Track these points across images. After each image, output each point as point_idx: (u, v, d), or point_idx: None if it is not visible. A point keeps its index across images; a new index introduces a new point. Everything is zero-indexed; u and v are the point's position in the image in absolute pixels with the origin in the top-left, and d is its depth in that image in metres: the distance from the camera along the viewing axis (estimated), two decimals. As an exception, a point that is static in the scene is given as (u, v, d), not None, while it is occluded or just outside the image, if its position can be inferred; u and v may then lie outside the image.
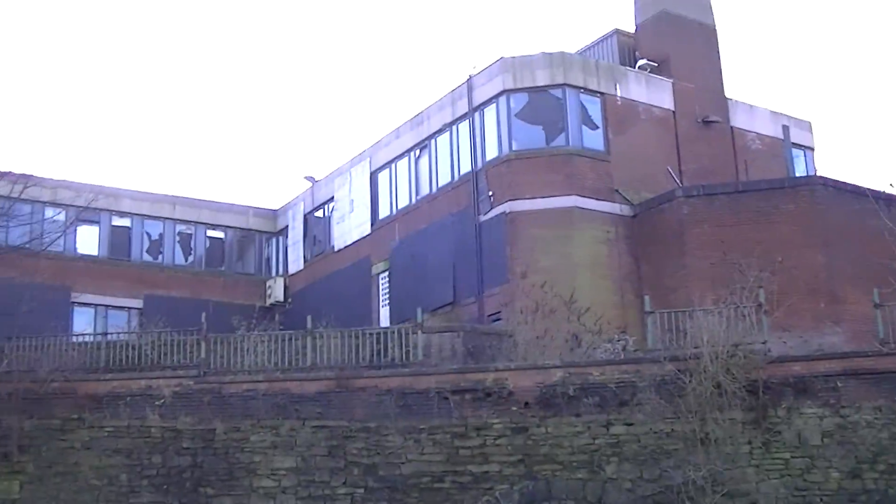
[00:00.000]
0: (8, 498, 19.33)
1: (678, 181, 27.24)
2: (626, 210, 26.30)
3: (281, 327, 23.03)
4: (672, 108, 28.33)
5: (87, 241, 33.15)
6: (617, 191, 26.33)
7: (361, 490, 18.56)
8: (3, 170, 24.69)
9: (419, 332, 20.67)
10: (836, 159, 73.37)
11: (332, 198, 33.52)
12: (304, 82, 76.92)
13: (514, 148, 26.48)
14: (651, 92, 28.20)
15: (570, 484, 18.19)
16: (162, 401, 19.72)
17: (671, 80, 28.77)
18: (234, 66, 76.22)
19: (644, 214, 26.24)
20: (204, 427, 19.38)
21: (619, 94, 27.43)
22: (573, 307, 22.59)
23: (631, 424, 18.23)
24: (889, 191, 22.22)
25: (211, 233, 35.66)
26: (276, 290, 33.97)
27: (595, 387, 18.69)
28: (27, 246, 26.82)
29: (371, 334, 20.84)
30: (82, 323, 29.79)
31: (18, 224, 27.60)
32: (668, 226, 25.54)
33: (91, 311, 31.00)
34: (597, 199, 25.92)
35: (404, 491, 18.57)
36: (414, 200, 29.63)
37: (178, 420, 19.48)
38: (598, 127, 26.85)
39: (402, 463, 18.71)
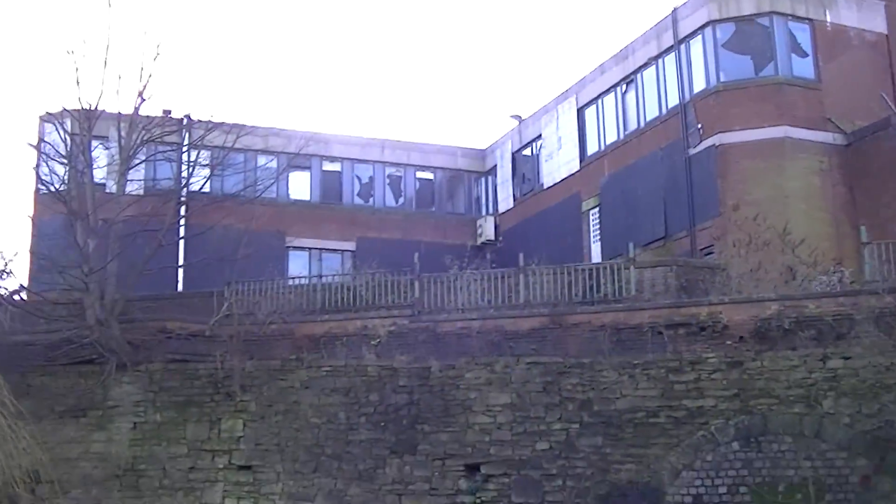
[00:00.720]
0: (232, 436, 22.03)
1: (894, 108, 27.49)
2: (838, 139, 27.22)
3: (492, 266, 25.16)
4: (885, 32, 28.92)
5: (300, 186, 36.53)
6: (829, 119, 27.20)
7: (576, 425, 20.27)
8: (216, 121, 27.86)
9: (631, 267, 22.14)
10: None
11: (540, 136, 35.49)
12: (508, 22, 79.15)
13: (721, 79, 28.04)
14: (862, 16, 28.78)
15: (786, 418, 19.25)
16: (378, 340, 22.24)
17: (883, 2, 28.83)
18: (440, 7, 79.34)
19: (858, 143, 26.97)
20: (419, 365, 21.56)
21: (828, 19, 28.29)
22: (787, 239, 23.54)
23: (848, 358, 19.14)
24: None
25: (420, 174, 38.38)
26: (487, 229, 36.43)
27: (811, 320, 19.77)
28: (242, 193, 29.75)
29: (583, 270, 22.53)
30: (297, 266, 33.19)
31: (233, 172, 31.18)
32: (884, 154, 26.16)
33: (305, 254, 34.34)
34: (808, 129, 27.11)
35: (619, 426, 20.12)
36: (622, 136, 31.20)
37: (393, 359, 21.80)
38: (807, 55, 28.11)
39: (617, 398, 20.30)
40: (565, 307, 21.69)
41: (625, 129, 30.92)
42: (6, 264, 30.11)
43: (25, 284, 28.32)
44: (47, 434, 20.88)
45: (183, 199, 29.58)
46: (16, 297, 27.10)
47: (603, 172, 31.42)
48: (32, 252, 29.02)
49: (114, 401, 23.05)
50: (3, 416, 6.27)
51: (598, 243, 31.05)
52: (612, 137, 31.40)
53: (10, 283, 28.35)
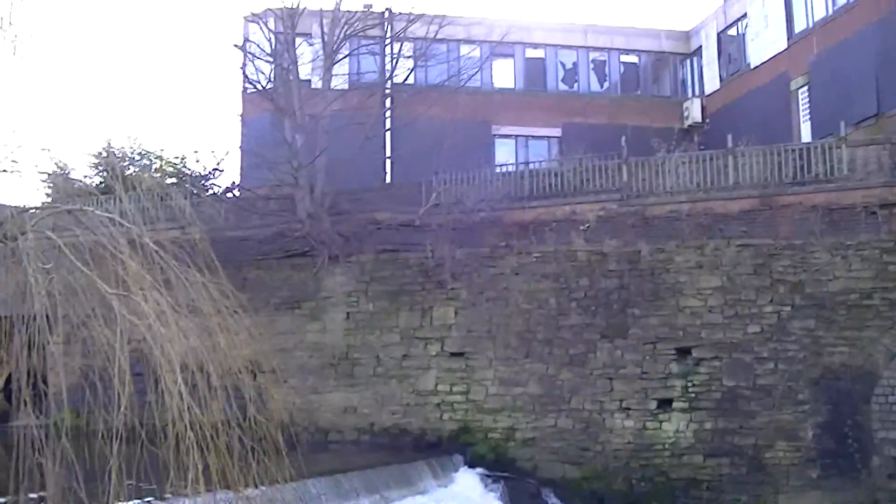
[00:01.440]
0: (444, 323, 24.56)
1: None
2: None
3: (700, 148, 26.77)
4: None
5: (503, 74, 38.51)
6: None
7: (788, 308, 21.86)
8: (418, 12, 30.19)
9: (843, 146, 22.85)
10: None
11: (745, 14, 35.93)
12: None
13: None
14: None
15: None
16: (586, 225, 23.95)
17: None
18: None
19: None
20: (629, 249, 23.38)
21: None
22: None
23: None
24: None
25: (624, 58, 39.57)
26: (693, 112, 37.66)
27: None
28: (446, 84, 31.98)
29: (793, 151, 23.69)
30: (503, 154, 35.42)
31: (436, 63, 33.68)
32: None
33: (511, 142, 36.62)
34: None
35: (832, 308, 21.57)
36: (831, 11, 31.52)
37: (602, 243, 23.64)
38: None
39: (829, 280, 21.75)
40: (775, 188, 22.91)
41: (834, 4, 31.41)
42: (218, 162, 34.20)
43: (237, 181, 32.14)
44: (264, 326, 24.18)
45: (387, 91, 32.49)
46: (229, 194, 30.92)
47: (812, 50, 31.96)
48: (242, 150, 32.30)
49: (327, 292, 25.99)
50: (224, 309, 8.34)
51: (808, 123, 31.69)
52: (820, 13, 31.73)
53: (223, 181, 32.24)
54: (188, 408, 7.28)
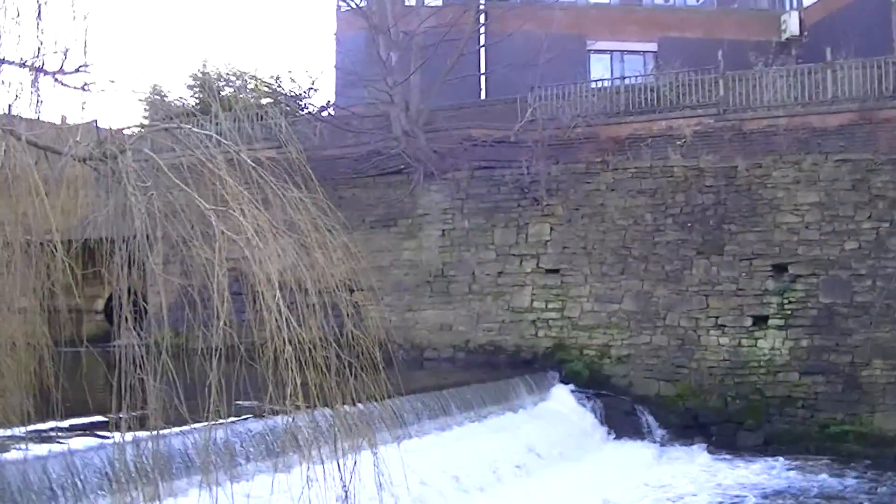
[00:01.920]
0: (539, 240, 24.42)
1: None
2: None
3: (799, 61, 26.11)
4: None
5: (599, -11, 38.70)
6: None
7: (887, 224, 21.41)
8: None
9: None
10: None
11: None
12: None
13: None
14: None
15: None
16: (683, 140, 23.61)
17: None
18: None
19: None
20: (725, 165, 23.02)
21: None
22: None
23: None
24: None
25: None
26: (791, 25, 36.38)
27: None
28: None
29: (893, 64, 22.93)
30: (598, 70, 34.89)
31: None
32: None
33: (606, 57, 35.92)
34: None
35: None
36: None
37: (699, 159, 23.32)
38: None
39: None
40: (875, 102, 22.22)
41: None
42: (313, 82, 34.23)
43: (332, 100, 32.12)
44: (360, 244, 24.09)
45: (482, 6, 32.07)
46: (324, 113, 30.94)
47: (913, -41, 31.16)
48: (337, 69, 32.50)
49: (422, 209, 26.02)
50: (322, 226, 8.26)
51: (909, 34, 31.13)
52: (925, -83, 31.00)
53: (318, 100, 32.24)
54: (287, 324, 7.26)
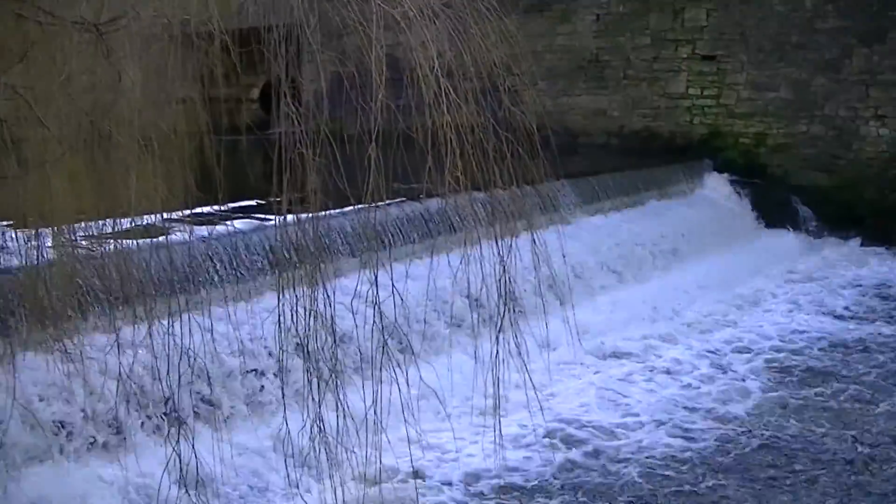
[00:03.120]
0: (696, 25, 23.52)
1: None
2: None
3: None
4: None
5: None
6: None
7: None
8: None
9: None
10: None
11: None
12: None
13: None
14: None
15: None
16: None
17: None
18: None
19: None
20: None
21: None
22: None
23: None
24: None
25: None
26: None
27: None
28: None
29: None
30: None
31: None
32: None
33: None
34: None
35: None
36: None
37: None
38: None
39: None
40: None
41: None
42: None
43: None
44: (514, 29, 23.61)
45: None
46: None
47: None
48: None
49: None
50: (478, 11, 7.92)
51: None
52: None
53: None
54: (445, 108, 7.05)
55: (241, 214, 11.01)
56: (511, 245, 7.54)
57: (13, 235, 8.07)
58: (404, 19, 7.58)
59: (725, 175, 22.22)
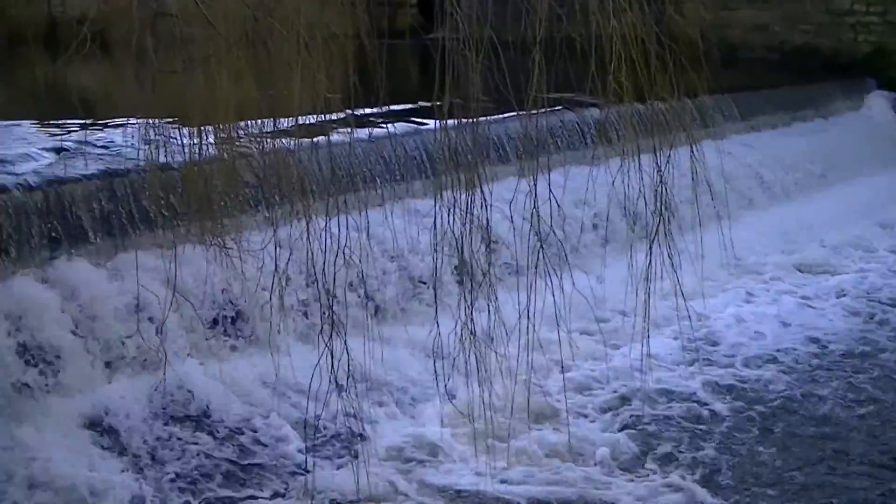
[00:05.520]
0: None
1: None
2: None
3: None
4: None
5: None
6: None
7: None
8: None
9: None
10: None
11: None
12: None
13: None
14: None
15: None
16: None
17: None
18: None
19: None
20: None
21: None
22: None
23: None
24: None
25: None
26: None
27: None
28: None
29: None
30: None
31: None
32: None
33: None
34: None
35: None
36: None
37: None
38: None
39: None
40: None
41: None
42: None
43: None
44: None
45: None
46: None
47: None
48: None
49: None
50: None
51: None
52: None
53: None
54: (607, 17, 6.79)
55: (400, 117, 10.95)
56: (669, 157, 7.30)
57: (178, 131, 8.14)
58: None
59: (890, 94, 21.24)
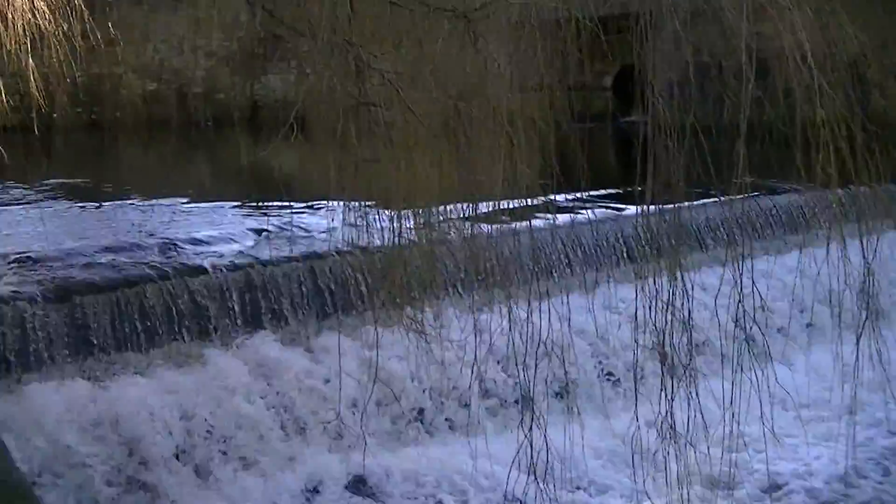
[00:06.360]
0: None
1: None
2: None
3: None
4: None
5: None
6: None
7: None
8: None
9: None
10: None
11: None
12: None
13: None
14: None
15: None
16: None
17: None
18: None
19: None
20: None
21: None
22: None
23: None
24: None
25: None
26: None
27: None
28: None
29: None
30: None
31: None
32: None
33: None
34: None
35: None
36: None
37: None
38: None
39: None
40: None
41: None
42: None
43: None
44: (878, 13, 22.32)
45: None
46: None
47: None
48: None
49: None
50: None
51: None
52: None
53: None
54: (818, 101, 6.56)
55: (597, 203, 10.86)
56: (877, 245, 6.97)
57: (377, 215, 8.21)
58: (771, 4, 7.15)
59: None
